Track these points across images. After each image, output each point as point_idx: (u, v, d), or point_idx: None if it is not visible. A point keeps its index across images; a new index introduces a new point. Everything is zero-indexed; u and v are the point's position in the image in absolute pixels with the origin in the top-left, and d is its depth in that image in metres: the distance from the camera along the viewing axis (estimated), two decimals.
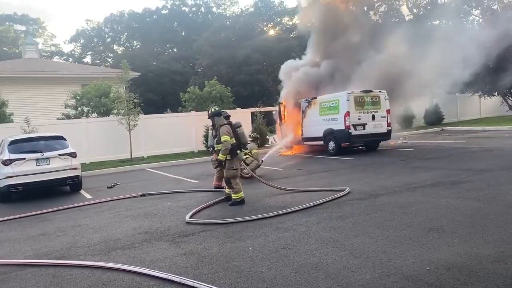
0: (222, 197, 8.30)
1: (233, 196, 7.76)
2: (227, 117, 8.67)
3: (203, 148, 18.97)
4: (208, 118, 8.39)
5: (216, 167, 9.57)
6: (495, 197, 6.63)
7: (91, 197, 10.23)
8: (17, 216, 8.30)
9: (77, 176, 11.00)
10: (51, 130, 14.05)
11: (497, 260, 4.10)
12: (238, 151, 7.95)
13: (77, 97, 20.03)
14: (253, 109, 21.68)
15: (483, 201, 6.48)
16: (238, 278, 4.18)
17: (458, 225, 5.30)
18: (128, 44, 55.09)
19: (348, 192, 7.80)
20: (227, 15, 53.62)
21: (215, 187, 9.58)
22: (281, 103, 17.77)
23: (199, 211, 7.40)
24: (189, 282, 4.08)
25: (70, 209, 8.75)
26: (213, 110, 8.23)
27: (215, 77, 24.34)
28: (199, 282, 4.05)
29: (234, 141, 7.86)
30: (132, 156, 17.54)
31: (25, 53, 29.84)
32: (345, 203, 7.08)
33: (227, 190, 8.15)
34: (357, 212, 6.40)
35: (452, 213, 5.88)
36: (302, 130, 16.57)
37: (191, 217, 6.91)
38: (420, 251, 4.50)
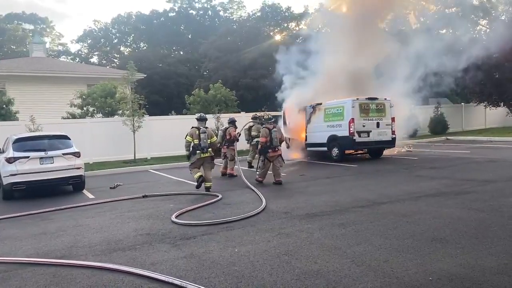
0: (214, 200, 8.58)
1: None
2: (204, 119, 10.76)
3: None
4: (229, 123, 12.97)
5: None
6: (499, 209, 6.58)
7: (93, 197, 10.25)
8: (19, 214, 8.32)
9: (80, 176, 11.02)
10: (56, 129, 14.03)
11: (500, 272, 4.06)
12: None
13: (83, 96, 20.13)
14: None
15: (487, 212, 6.43)
16: (239, 283, 4.16)
17: (461, 236, 5.26)
18: (135, 46, 55.35)
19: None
20: (234, 19, 53.78)
21: (222, 174, 12.42)
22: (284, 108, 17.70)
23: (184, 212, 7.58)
24: (190, 285, 4.07)
25: (72, 209, 8.77)
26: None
27: (220, 80, 24.37)
28: (200, 286, 4.04)
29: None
30: (136, 157, 17.58)
31: (32, 52, 30.07)
32: (348, 210, 7.05)
33: (207, 184, 9.76)
34: (360, 219, 6.37)
35: (455, 224, 5.84)
36: (305, 136, 16.53)
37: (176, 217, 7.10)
38: (422, 261, 4.46)
